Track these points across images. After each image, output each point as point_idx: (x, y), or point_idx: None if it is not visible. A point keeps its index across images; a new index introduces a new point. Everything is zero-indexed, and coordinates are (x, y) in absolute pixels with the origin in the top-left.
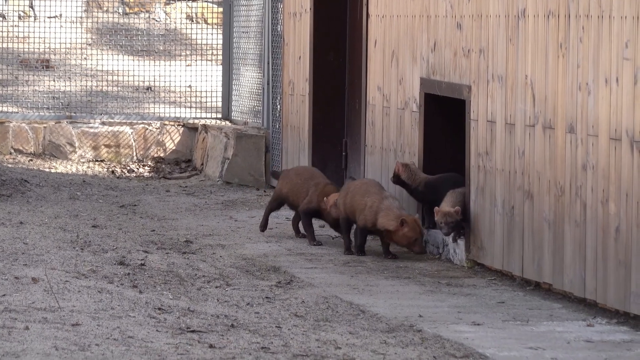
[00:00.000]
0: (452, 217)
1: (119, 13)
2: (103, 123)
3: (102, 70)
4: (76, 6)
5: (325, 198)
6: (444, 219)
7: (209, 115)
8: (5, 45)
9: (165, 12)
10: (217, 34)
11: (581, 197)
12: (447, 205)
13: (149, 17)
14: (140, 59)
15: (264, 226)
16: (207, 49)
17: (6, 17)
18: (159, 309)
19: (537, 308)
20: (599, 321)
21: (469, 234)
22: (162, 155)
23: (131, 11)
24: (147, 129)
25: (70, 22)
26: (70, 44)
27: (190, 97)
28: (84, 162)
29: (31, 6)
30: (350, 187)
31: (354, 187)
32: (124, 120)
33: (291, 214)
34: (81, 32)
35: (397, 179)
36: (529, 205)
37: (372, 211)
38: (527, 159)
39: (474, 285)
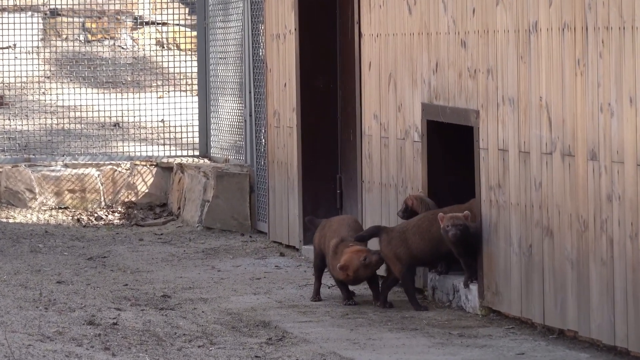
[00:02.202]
0: (459, 219)
1: (80, 41)
2: (66, 165)
3: (63, 106)
4: (32, 35)
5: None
6: (450, 221)
7: (185, 152)
8: None
9: (132, 38)
10: (192, 60)
11: (607, 232)
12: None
13: (114, 44)
14: (106, 91)
15: (316, 294)
16: (180, 78)
17: None
18: None
19: (562, 359)
20: None
21: (482, 277)
22: (133, 199)
23: (94, 38)
24: (116, 170)
25: (26, 53)
26: (27, 77)
27: (164, 133)
28: (45, 210)
29: None
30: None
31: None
32: (89, 162)
33: (280, 262)
34: (38, 64)
35: (411, 214)
36: (549, 242)
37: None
38: (544, 191)
39: (489, 335)
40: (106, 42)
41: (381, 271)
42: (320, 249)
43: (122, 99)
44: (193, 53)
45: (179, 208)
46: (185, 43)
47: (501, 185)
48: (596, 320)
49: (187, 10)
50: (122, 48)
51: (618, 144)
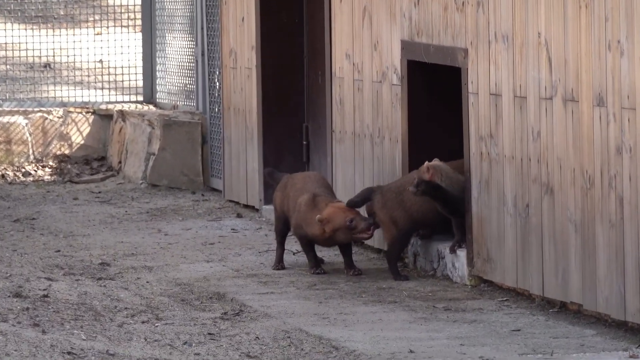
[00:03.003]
0: (419, 173)
1: None
2: None
3: None
4: None
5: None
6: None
7: (126, 98)
8: None
9: None
10: None
11: (616, 190)
12: None
13: None
14: (35, 27)
15: (278, 262)
16: (122, 12)
17: None
18: (69, 353)
19: (564, 336)
20: None
21: (471, 242)
22: (67, 152)
23: None
24: (47, 118)
25: None
26: None
27: (102, 75)
28: None
29: None
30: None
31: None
32: (15, 108)
33: (237, 224)
34: None
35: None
36: (549, 201)
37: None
38: (543, 141)
39: (479, 308)
40: None
41: (369, 241)
42: (282, 210)
43: (53, 36)
44: None
45: (120, 162)
46: None
47: (493, 135)
48: (603, 292)
49: None
50: None
51: (629, 88)
